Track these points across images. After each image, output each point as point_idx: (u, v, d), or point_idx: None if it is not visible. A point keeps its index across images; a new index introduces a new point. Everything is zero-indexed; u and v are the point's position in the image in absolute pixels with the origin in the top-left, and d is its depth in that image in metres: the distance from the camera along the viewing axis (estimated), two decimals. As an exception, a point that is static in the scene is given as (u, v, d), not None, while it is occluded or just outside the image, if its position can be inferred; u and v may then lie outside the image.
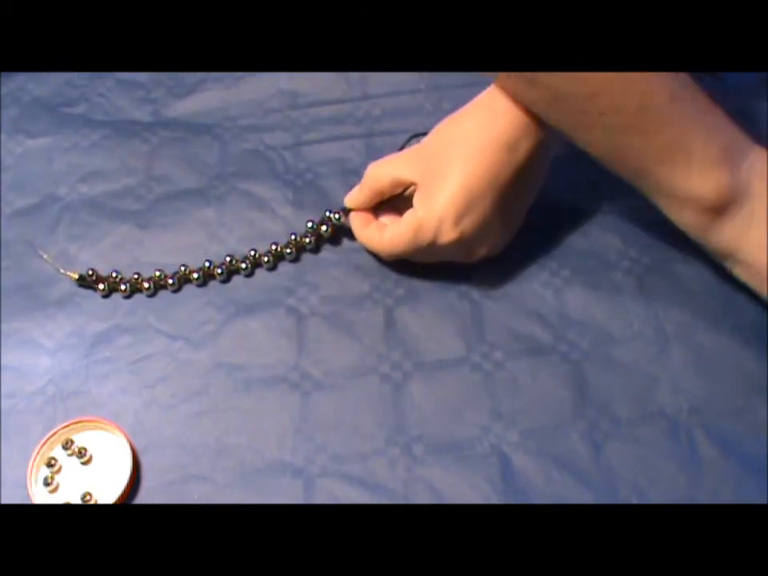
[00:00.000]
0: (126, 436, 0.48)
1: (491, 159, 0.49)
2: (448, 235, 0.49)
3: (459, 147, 0.49)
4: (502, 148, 0.49)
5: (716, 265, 0.53)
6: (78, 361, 0.51)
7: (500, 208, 0.50)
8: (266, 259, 0.54)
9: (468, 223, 0.49)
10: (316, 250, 0.55)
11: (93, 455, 0.48)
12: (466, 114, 0.51)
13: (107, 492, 0.46)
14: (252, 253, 0.54)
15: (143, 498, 0.47)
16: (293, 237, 0.54)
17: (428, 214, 0.49)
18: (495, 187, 0.49)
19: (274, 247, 0.54)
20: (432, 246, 0.50)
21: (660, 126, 0.44)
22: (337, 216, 0.54)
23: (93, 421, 0.48)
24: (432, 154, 0.50)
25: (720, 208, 0.44)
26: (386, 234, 0.51)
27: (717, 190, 0.44)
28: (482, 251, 0.52)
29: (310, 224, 0.54)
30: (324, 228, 0.54)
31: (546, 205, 0.55)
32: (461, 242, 0.49)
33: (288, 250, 0.54)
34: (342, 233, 0.55)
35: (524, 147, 0.49)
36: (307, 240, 0.54)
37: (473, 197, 0.48)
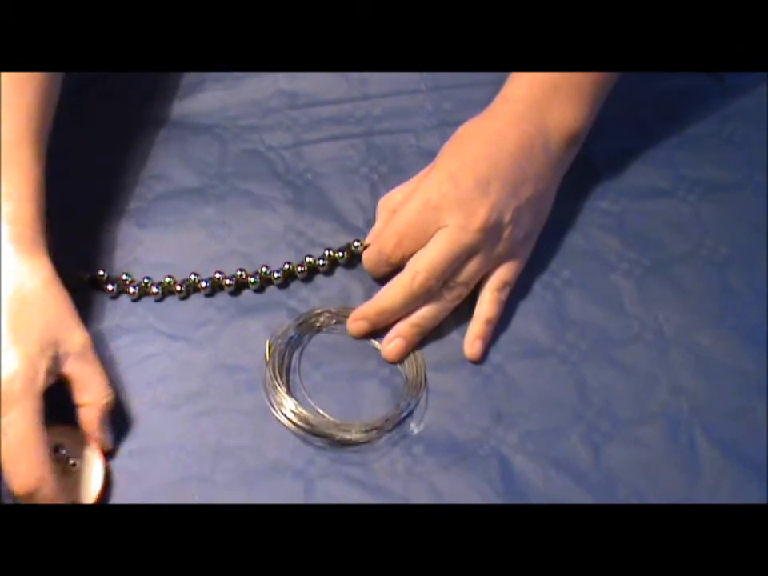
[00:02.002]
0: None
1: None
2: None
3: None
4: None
5: (716, 265, 0.53)
6: (79, 361, 0.51)
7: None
8: (276, 275, 0.53)
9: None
10: (329, 272, 0.54)
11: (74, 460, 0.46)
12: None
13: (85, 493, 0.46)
14: (263, 269, 0.53)
15: (143, 498, 0.47)
16: (307, 259, 0.53)
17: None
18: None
19: (287, 266, 0.53)
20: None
21: None
22: (357, 245, 0.53)
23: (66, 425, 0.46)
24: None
25: None
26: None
27: None
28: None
29: (328, 252, 0.53)
30: (340, 254, 0.53)
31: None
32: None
33: (300, 268, 0.53)
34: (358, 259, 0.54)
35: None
36: (321, 263, 0.53)
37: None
